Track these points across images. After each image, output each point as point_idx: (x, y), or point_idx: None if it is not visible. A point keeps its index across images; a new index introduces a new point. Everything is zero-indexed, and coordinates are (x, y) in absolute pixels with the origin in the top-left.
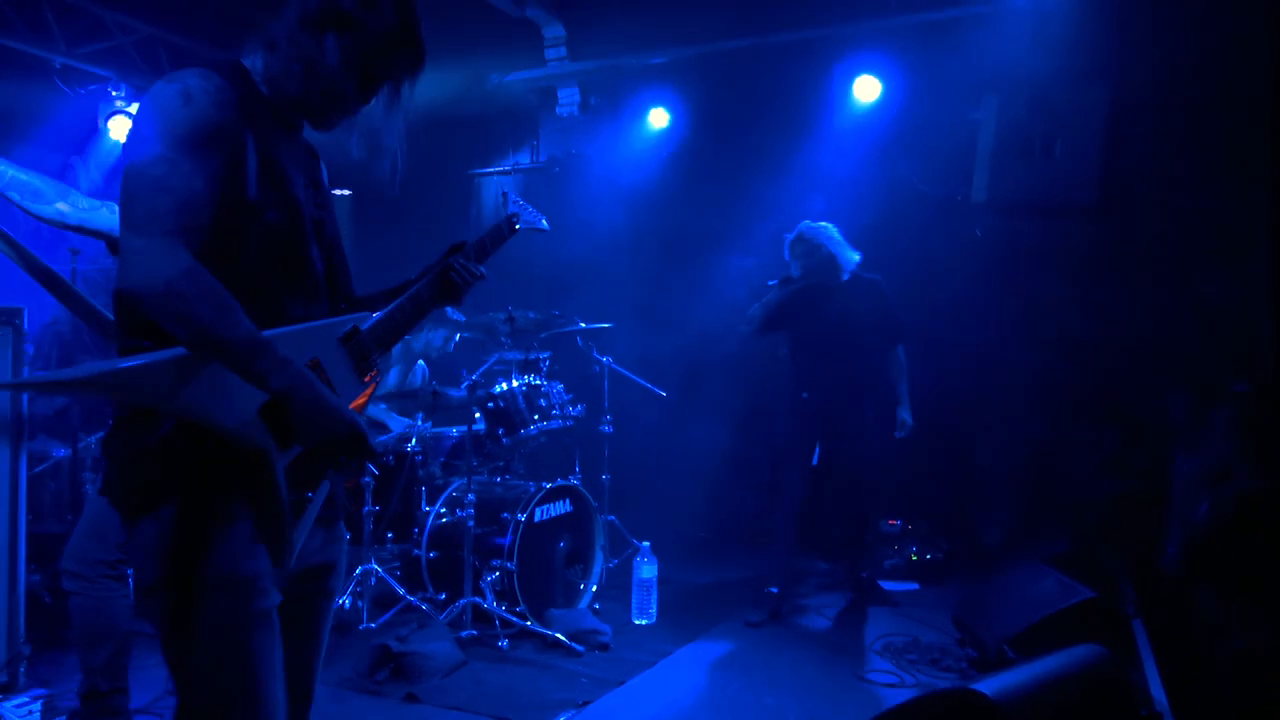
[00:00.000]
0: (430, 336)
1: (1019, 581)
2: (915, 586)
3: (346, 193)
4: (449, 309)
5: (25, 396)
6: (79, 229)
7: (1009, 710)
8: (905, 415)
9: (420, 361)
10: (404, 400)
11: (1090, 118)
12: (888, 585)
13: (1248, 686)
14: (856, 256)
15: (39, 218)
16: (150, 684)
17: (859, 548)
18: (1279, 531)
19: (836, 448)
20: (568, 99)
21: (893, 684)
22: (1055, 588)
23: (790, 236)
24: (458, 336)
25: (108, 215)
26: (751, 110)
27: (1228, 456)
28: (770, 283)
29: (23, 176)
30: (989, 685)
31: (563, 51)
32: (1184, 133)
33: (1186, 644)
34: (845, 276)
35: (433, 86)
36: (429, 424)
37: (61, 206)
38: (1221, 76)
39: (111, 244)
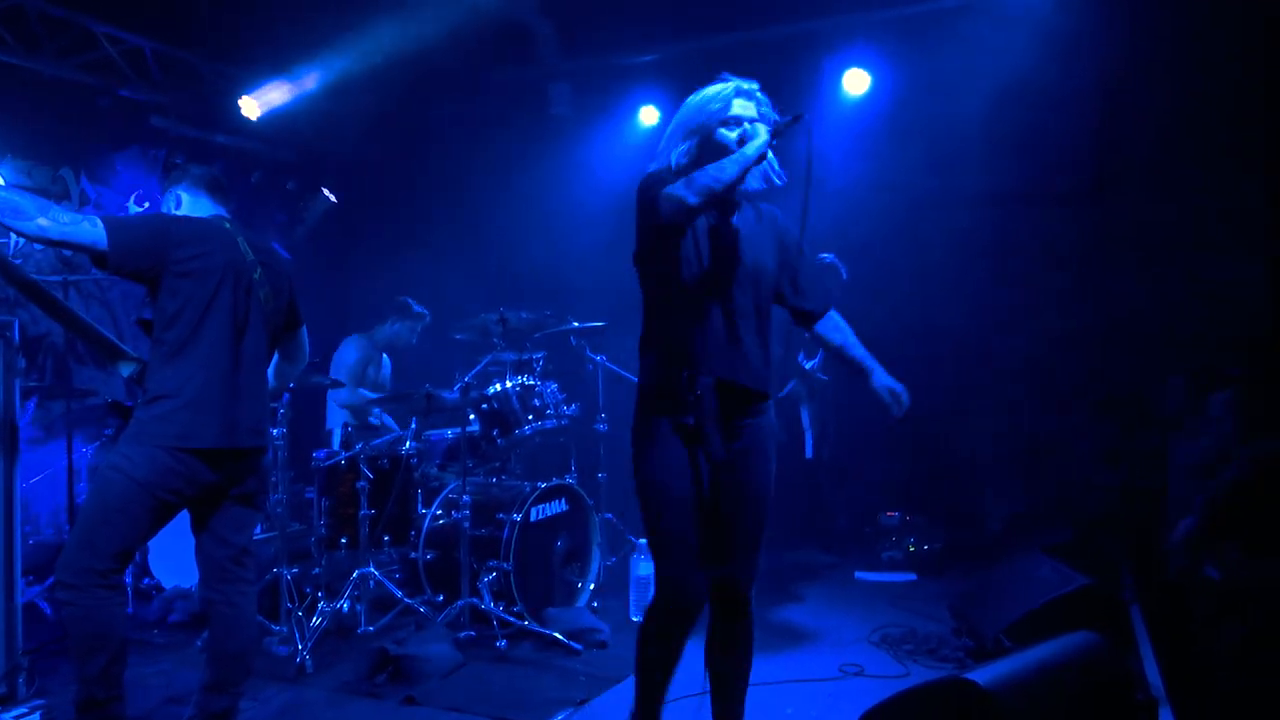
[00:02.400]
0: (397, 329)
1: (1016, 570)
2: (913, 577)
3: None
4: (413, 303)
5: (18, 406)
6: (61, 243)
7: (1002, 699)
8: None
9: (385, 355)
10: (397, 403)
11: (1082, 106)
12: (885, 576)
13: (1246, 669)
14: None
15: (21, 234)
16: (149, 691)
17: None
18: None
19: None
20: (559, 98)
21: (889, 675)
22: (1052, 576)
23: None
24: (419, 327)
25: (89, 229)
26: None
27: (1225, 440)
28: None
29: (2, 194)
30: (983, 674)
31: (554, 49)
32: (1177, 119)
33: (1184, 629)
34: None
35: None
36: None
37: (42, 222)
38: (1213, 62)
39: (95, 257)
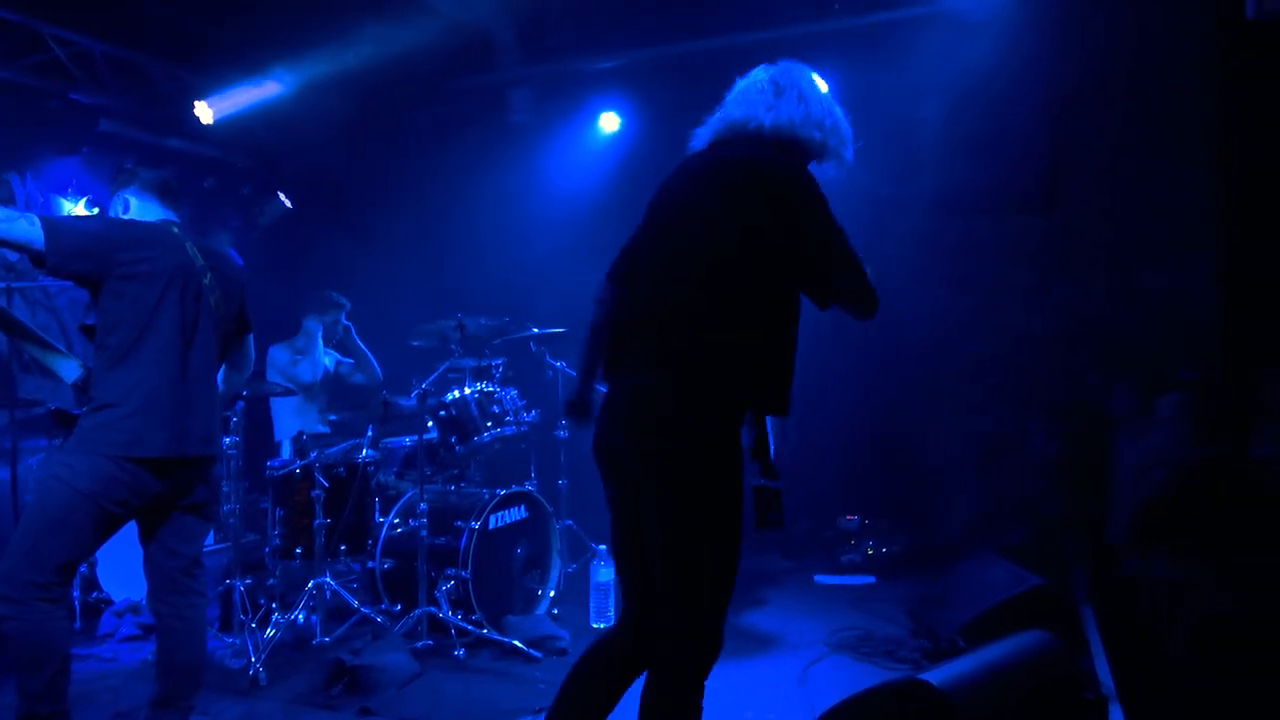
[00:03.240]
0: (321, 319)
1: (971, 572)
2: (873, 580)
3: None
4: (333, 293)
5: None
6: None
7: (955, 698)
8: None
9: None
10: (354, 411)
11: (1035, 115)
12: (844, 580)
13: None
14: None
15: None
16: (98, 707)
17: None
18: (1224, 495)
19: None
20: (520, 105)
21: (846, 678)
22: (1006, 577)
23: None
24: (343, 316)
25: (26, 226)
26: (702, 113)
27: (1173, 442)
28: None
29: None
30: (937, 675)
31: (515, 56)
32: (1128, 126)
33: (1135, 624)
34: None
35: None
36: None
37: None
38: (1163, 70)
39: (34, 257)
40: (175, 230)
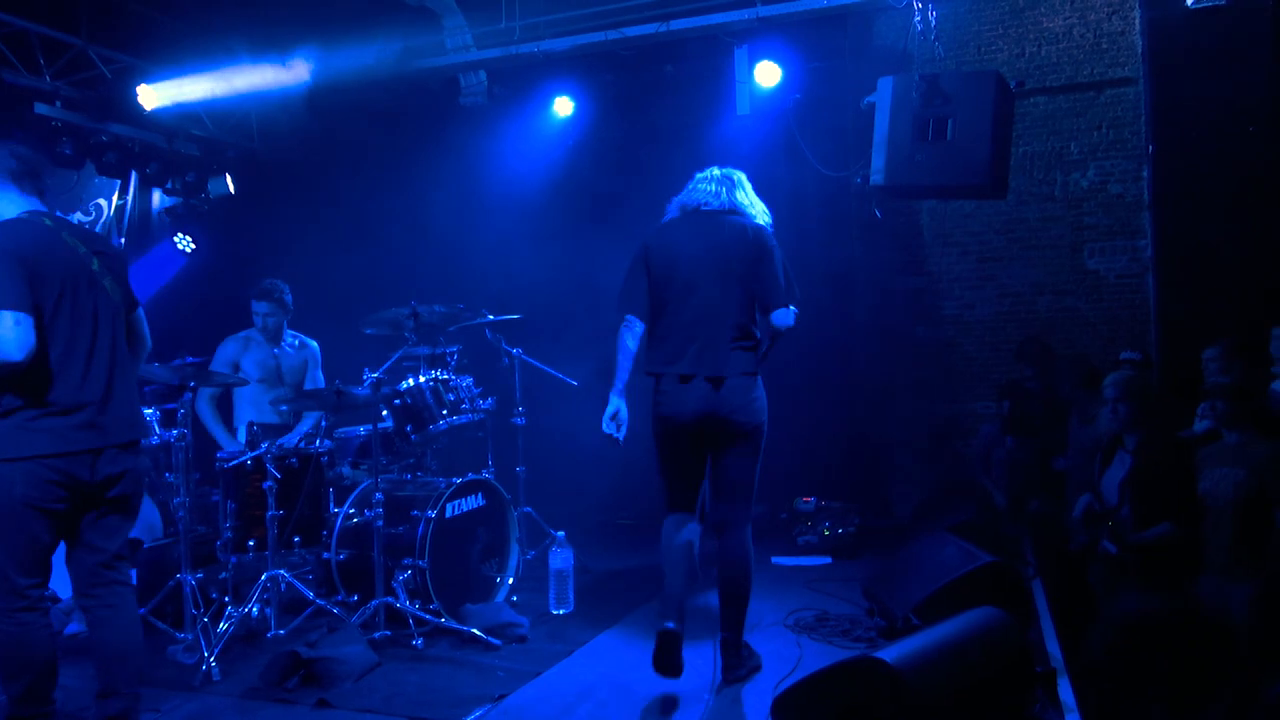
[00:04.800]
0: (257, 307)
1: (924, 551)
2: (828, 561)
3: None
4: (267, 282)
5: None
6: None
7: (908, 674)
8: None
9: (287, 346)
10: (305, 400)
11: (980, 102)
12: (801, 560)
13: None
14: None
15: None
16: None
17: None
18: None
19: None
20: (471, 88)
21: (800, 657)
22: (957, 555)
23: None
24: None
25: None
26: (655, 97)
27: (1119, 421)
28: None
29: None
30: (890, 653)
31: (466, 39)
32: (1070, 115)
33: (1084, 601)
34: None
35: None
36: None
37: None
38: (1103, 58)
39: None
40: (48, 224)
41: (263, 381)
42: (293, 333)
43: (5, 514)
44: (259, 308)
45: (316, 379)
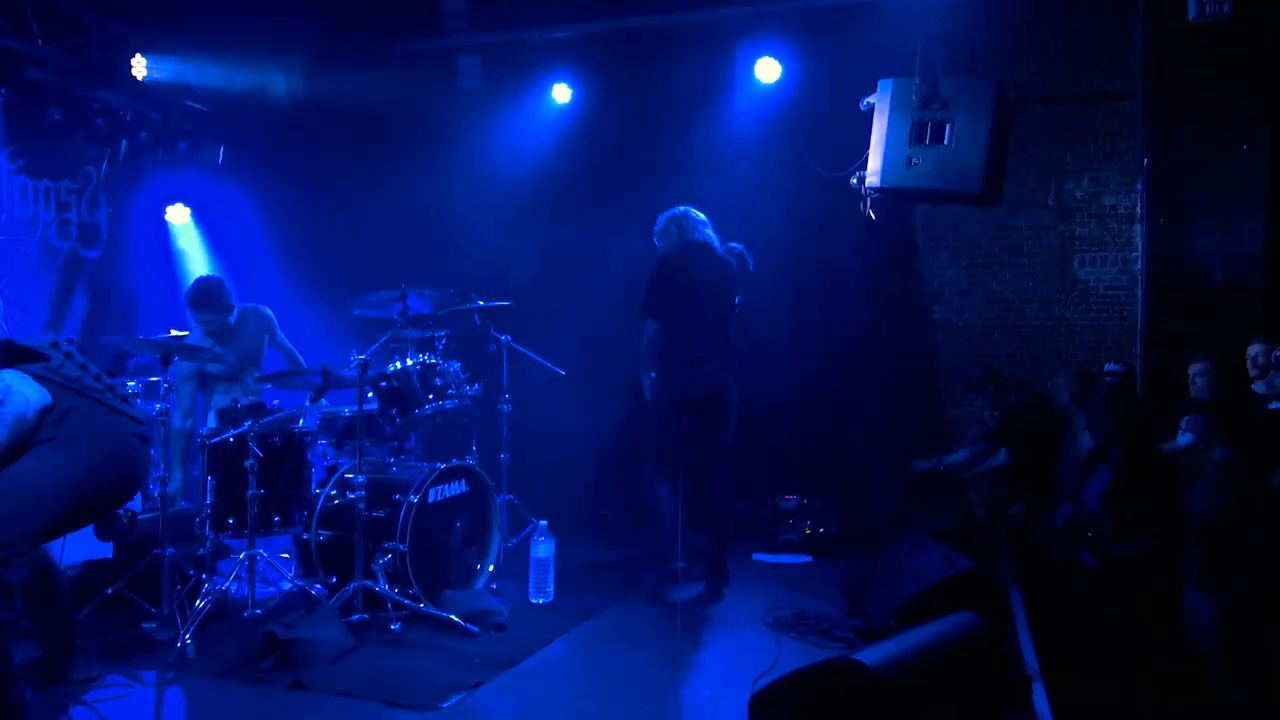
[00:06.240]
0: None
1: (904, 554)
2: (809, 560)
3: None
4: (202, 287)
5: None
6: None
7: (886, 677)
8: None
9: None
10: (290, 379)
11: (980, 109)
12: (782, 558)
13: (1114, 648)
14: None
15: None
16: None
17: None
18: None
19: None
20: (469, 71)
21: (778, 655)
22: (938, 560)
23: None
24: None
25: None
26: (655, 88)
27: (1100, 436)
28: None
29: None
30: (868, 654)
31: (464, 22)
32: (1067, 126)
33: (1064, 610)
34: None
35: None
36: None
37: None
38: (1101, 70)
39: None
40: None
41: (229, 379)
42: (238, 310)
43: None
44: (201, 317)
45: (281, 341)
